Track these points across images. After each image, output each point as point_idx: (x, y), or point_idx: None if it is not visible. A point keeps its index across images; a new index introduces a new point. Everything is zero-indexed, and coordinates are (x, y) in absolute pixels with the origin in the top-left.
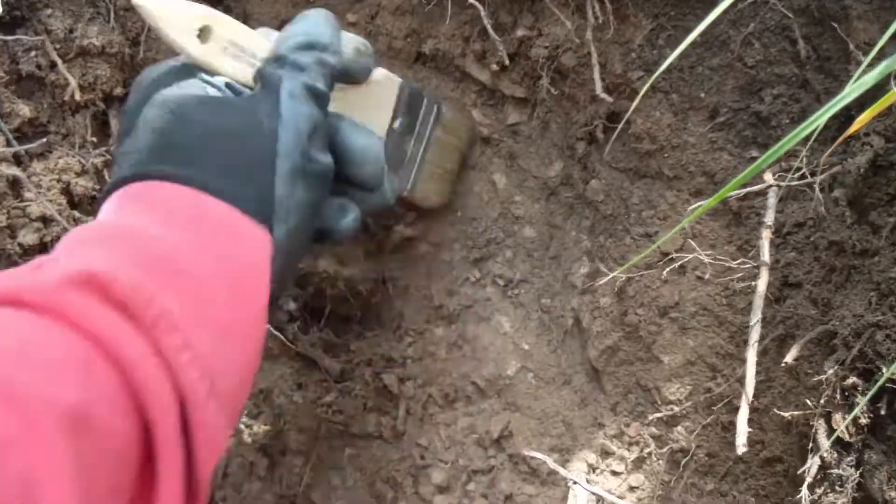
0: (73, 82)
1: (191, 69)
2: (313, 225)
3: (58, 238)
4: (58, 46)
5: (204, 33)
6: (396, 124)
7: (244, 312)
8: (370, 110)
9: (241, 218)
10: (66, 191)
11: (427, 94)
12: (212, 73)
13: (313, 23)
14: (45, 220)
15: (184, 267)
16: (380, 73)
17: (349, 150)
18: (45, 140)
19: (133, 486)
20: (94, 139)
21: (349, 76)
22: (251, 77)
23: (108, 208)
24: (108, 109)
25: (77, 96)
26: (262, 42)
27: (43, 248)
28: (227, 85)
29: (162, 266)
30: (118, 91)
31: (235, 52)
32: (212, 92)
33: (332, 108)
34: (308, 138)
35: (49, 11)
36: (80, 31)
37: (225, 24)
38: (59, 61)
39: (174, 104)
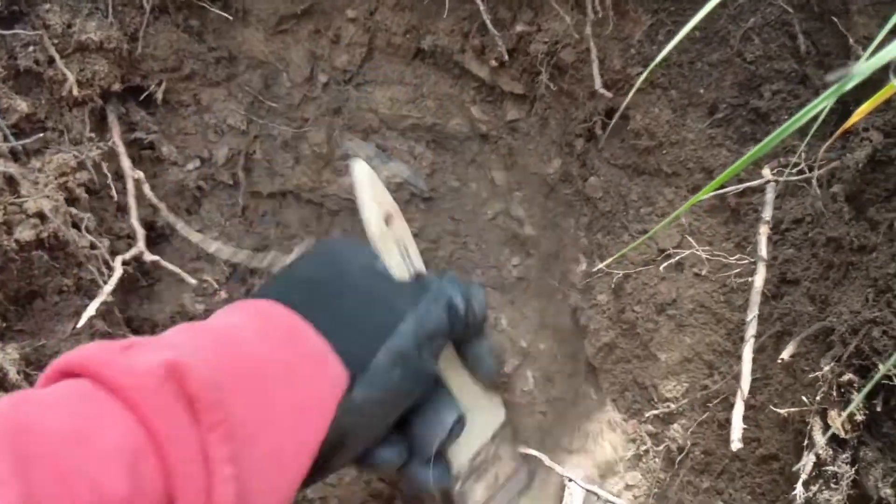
0: (71, 78)
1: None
2: (386, 420)
3: (54, 235)
4: (56, 41)
5: (388, 220)
6: (491, 451)
7: (298, 440)
8: (472, 411)
9: (332, 355)
10: (64, 187)
11: (528, 462)
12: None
13: (477, 288)
14: (42, 217)
15: (262, 381)
16: (498, 395)
17: (429, 401)
18: (41, 136)
19: None
20: (93, 135)
21: (474, 363)
22: (406, 279)
23: (224, 311)
24: (106, 105)
25: (75, 92)
26: (420, 260)
27: (39, 244)
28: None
29: (244, 372)
30: (116, 87)
31: (402, 251)
32: (379, 261)
33: (445, 376)
34: (427, 338)
35: (47, 6)
36: (79, 26)
37: (403, 225)
38: (57, 56)
39: (339, 254)
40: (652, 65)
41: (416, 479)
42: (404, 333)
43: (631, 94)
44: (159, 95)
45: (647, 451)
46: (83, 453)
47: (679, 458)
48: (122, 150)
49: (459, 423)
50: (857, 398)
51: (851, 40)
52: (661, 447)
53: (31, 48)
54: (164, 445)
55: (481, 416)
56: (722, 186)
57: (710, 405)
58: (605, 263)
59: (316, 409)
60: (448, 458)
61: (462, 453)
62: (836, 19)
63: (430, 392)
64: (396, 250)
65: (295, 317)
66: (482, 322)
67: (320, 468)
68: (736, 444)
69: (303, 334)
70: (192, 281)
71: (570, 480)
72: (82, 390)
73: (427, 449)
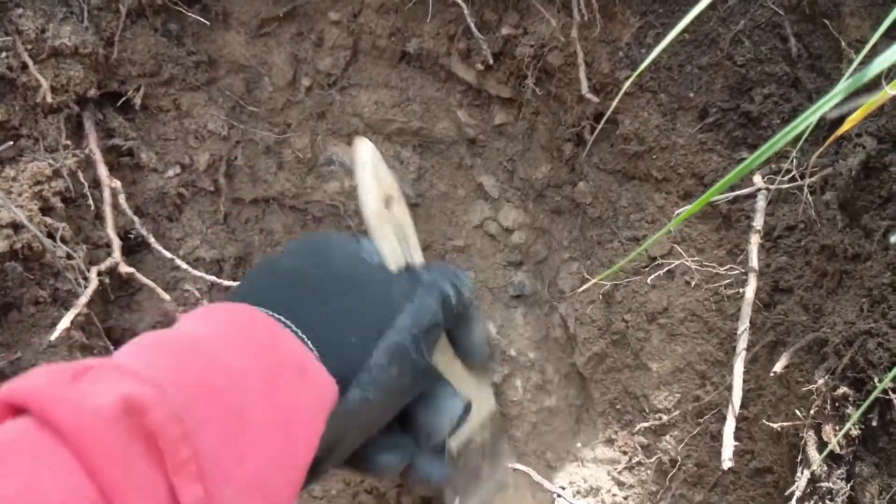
0: (45, 84)
1: (356, 239)
2: (381, 420)
3: (28, 245)
4: (29, 47)
5: (388, 202)
6: (479, 439)
7: (284, 464)
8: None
9: (314, 362)
10: (38, 196)
11: (508, 454)
12: (374, 243)
13: (465, 275)
14: (16, 227)
15: (235, 401)
16: (489, 383)
17: (432, 394)
18: (11, 144)
19: None
20: (68, 142)
21: (468, 352)
22: (400, 267)
23: (192, 316)
24: (83, 111)
25: (49, 98)
26: (419, 248)
27: (13, 254)
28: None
29: (212, 395)
30: (92, 92)
31: (400, 236)
32: (366, 251)
33: (438, 364)
34: (424, 332)
35: (20, 11)
36: (52, 31)
37: (404, 210)
38: (31, 62)
39: (326, 246)
40: (640, 68)
41: (424, 473)
42: (401, 329)
43: (618, 98)
44: (137, 101)
45: (638, 463)
46: None
47: (671, 472)
48: (98, 157)
49: (467, 410)
50: (854, 416)
51: (843, 43)
52: (652, 459)
53: (3, 54)
54: (118, 495)
55: (473, 403)
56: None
57: (703, 417)
58: (599, 278)
59: (301, 426)
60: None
61: (453, 441)
62: (827, 22)
63: (429, 383)
64: (394, 236)
65: (272, 323)
66: (472, 308)
67: (312, 473)
68: (727, 464)
69: (282, 342)
70: (167, 297)
71: (559, 496)
72: (26, 437)
73: (437, 439)
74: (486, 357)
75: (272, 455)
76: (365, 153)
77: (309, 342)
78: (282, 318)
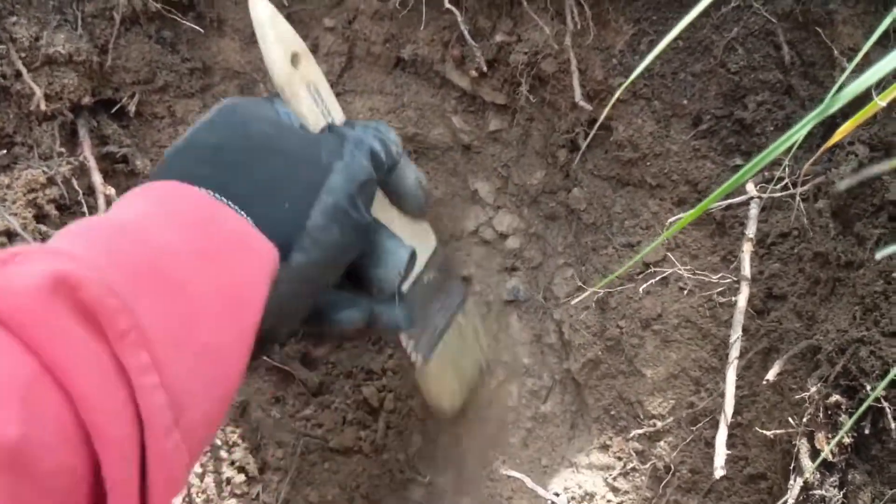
0: (39, 92)
1: (271, 101)
2: (331, 276)
3: None
4: (23, 55)
5: (295, 60)
6: (426, 278)
7: (231, 332)
8: (406, 239)
9: (252, 232)
10: (32, 203)
11: (459, 279)
12: (288, 105)
13: (382, 124)
14: (10, 235)
15: (174, 275)
16: (426, 222)
17: (377, 246)
18: (5, 152)
19: None
20: (63, 149)
21: (404, 199)
22: (320, 125)
23: (120, 202)
24: (77, 119)
25: (43, 106)
26: (336, 104)
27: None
28: (301, 128)
29: (150, 271)
30: (87, 100)
31: (315, 95)
32: (284, 119)
33: (377, 213)
34: (359, 188)
35: (14, 19)
36: (46, 38)
37: (313, 65)
38: (25, 70)
39: (241, 114)
40: (633, 76)
41: (386, 320)
42: (335, 188)
43: (609, 106)
44: (132, 108)
45: (633, 469)
46: None
47: (666, 478)
48: (93, 164)
49: (412, 258)
50: (847, 424)
51: (836, 51)
52: (647, 465)
53: None
54: (64, 370)
55: (416, 247)
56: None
57: (697, 423)
58: (597, 287)
59: (243, 293)
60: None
61: (403, 286)
62: (820, 30)
63: (372, 237)
64: (307, 94)
65: (204, 195)
66: (401, 157)
67: (267, 341)
68: (719, 472)
69: (216, 214)
70: None
71: (554, 502)
72: None
73: (389, 288)
74: (421, 201)
75: (218, 322)
76: (261, 12)
77: (242, 212)
78: (212, 193)
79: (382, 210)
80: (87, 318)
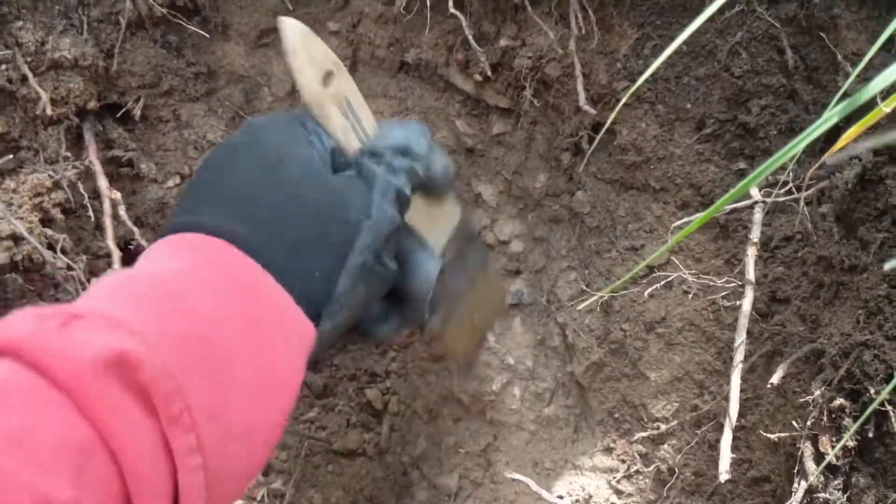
0: (45, 96)
1: (302, 123)
2: (353, 323)
3: (28, 257)
4: (29, 59)
5: (327, 78)
6: (448, 252)
7: (266, 413)
8: (432, 228)
9: (291, 306)
10: (38, 208)
11: (480, 242)
12: (319, 122)
13: (413, 131)
14: (16, 239)
15: (220, 349)
16: (451, 196)
17: (409, 262)
18: (11, 157)
19: None
20: (68, 153)
21: (431, 190)
22: (351, 142)
23: (159, 251)
24: (82, 123)
25: (49, 110)
26: (370, 114)
27: (13, 267)
28: (332, 150)
29: (198, 345)
30: (92, 104)
31: (346, 110)
32: (316, 147)
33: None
34: (384, 241)
35: (20, 24)
36: (52, 43)
37: (346, 80)
38: (31, 75)
39: (270, 148)
40: (639, 81)
41: (417, 324)
42: (362, 249)
43: (616, 111)
44: (137, 112)
45: (636, 472)
46: (20, 455)
47: (669, 480)
48: (98, 168)
49: (442, 272)
50: (852, 428)
51: (840, 56)
52: (650, 468)
53: (3, 66)
54: (116, 441)
55: (441, 230)
56: (709, 204)
57: (701, 426)
58: (604, 293)
59: (281, 373)
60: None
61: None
62: (823, 34)
63: (403, 245)
64: (338, 112)
65: (245, 260)
66: (431, 156)
67: None
68: (724, 476)
69: (257, 283)
70: None
71: None
72: (16, 379)
73: (420, 301)
74: (448, 187)
75: (257, 403)
76: (293, 36)
77: (277, 278)
78: (255, 259)
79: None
80: (141, 396)
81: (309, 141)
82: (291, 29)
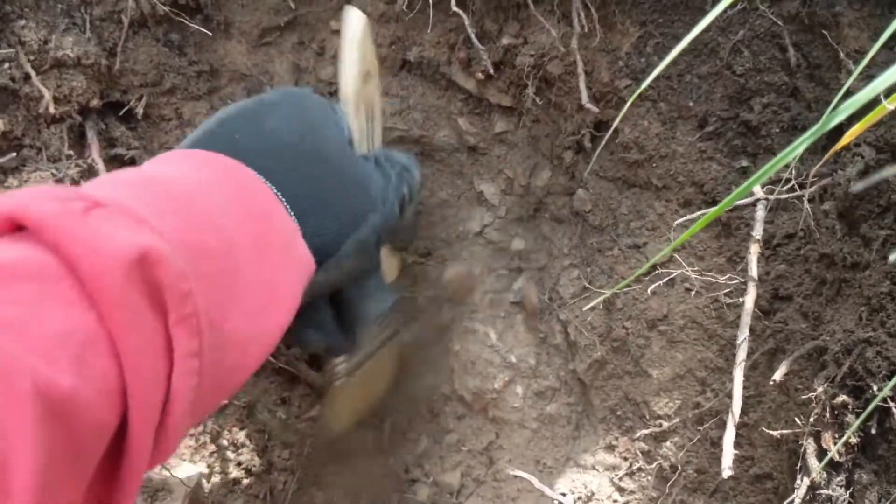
0: (48, 95)
1: (332, 106)
2: (320, 295)
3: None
4: (32, 58)
5: (367, 78)
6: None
7: (263, 328)
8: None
9: (300, 240)
10: None
11: (398, 316)
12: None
13: (414, 165)
14: None
15: (233, 262)
16: (398, 254)
17: (368, 286)
18: (14, 154)
19: (93, 473)
20: (71, 152)
21: (398, 231)
22: (361, 146)
23: (186, 160)
24: (85, 121)
25: (52, 109)
26: (380, 131)
27: None
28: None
29: (213, 256)
30: (95, 102)
31: (368, 117)
32: (344, 129)
33: None
34: (386, 231)
35: (22, 22)
36: (55, 41)
37: (377, 88)
38: (34, 73)
39: (315, 113)
40: (646, 83)
41: (340, 350)
42: (372, 226)
43: (623, 112)
44: (140, 110)
45: (639, 469)
46: (26, 340)
47: (672, 477)
48: (101, 166)
49: (392, 309)
50: (854, 425)
51: (842, 54)
52: (653, 465)
53: (6, 65)
54: (121, 336)
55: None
56: (712, 202)
57: (703, 423)
58: (609, 293)
59: (280, 294)
60: None
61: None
62: (826, 32)
63: (372, 272)
64: (364, 114)
65: (268, 191)
66: (414, 199)
67: None
68: (727, 472)
69: (274, 211)
70: None
71: (560, 502)
72: (32, 261)
73: (365, 325)
74: (412, 238)
75: (255, 319)
76: (355, 26)
77: (294, 218)
78: (274, 188)
79: None
80: (154, 294)
81: (338, 122)
82: (358, 18)
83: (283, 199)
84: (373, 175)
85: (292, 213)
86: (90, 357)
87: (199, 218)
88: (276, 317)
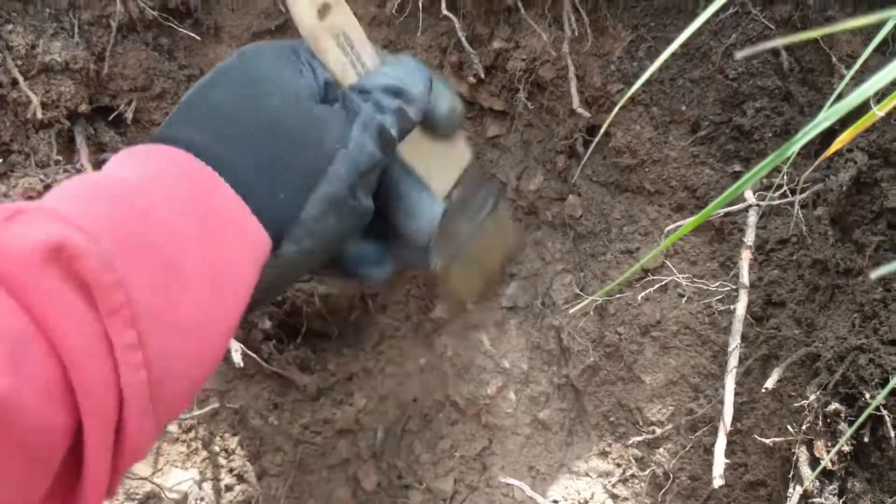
0: (36, 100)
1: (295, 51)
2: (326, 258)
3: None
4: (19, 63)
5: (323, 11)
6: (454, 195)
7: (216, 314)
8: (437, 169)
9: (249, 216)
10: None
11: (492, 183)
12: (316, 56)
13: (408, 70)
14: None
15: (170, 252)
16: (460, 136)
17: (406, 202)
18: (2, 161)
19: (51, 480)
20: (60, 157)
21: (436, 130)
22: (349, 78)
23: (124, 158)
24: (74, 126)
25: (39, 114)
26: (370, 49)
27: None
28: (325, 83)
29: (146, 246)
30: (84, 107)
31: (344, 44)
32: (306, 77)
33: (403, 152)
34: (360, 176)
35: (10, 27)
36: (43, 46)
37: (344, 13)
38: (21, 78)
39: (256, 75)
40: (635, 86)
41: (415, 265)
42: (334, 178)
43: (613, 115)
44: (129, 115)
45: (632, 476)
46: None
47: (665, 484)
48: (90, 171)
49: (444, 214)
50: (847, 433)
51: (835, 58)
52: (646, 472)
53: None
54: (54, 331)
55: (448, 171)
56: (704, 207)
57: (697, 430)
58: (597, 295)
59: (233, 278)
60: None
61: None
62: (818, 36)
63: (401, 186)
64: (335, 45)
65: (208, 174)
66: (431, 93)
67: (253, 307)
68: (718, 481)
69: (216, 192)
70: None
71: None
72: None
73: (421, 242)
74: (455, 127)
75: (204, 306)
76: None
77: (241, 196)
78: (215, 169)
79: (412, 142)
80: (81, 287)
81: (299, 70)
82: None
83: (228, 176)
84: (329, 120)
85: (239, 190)
86: (25, 357)
87: (138, 211)
88: (230, 296)
